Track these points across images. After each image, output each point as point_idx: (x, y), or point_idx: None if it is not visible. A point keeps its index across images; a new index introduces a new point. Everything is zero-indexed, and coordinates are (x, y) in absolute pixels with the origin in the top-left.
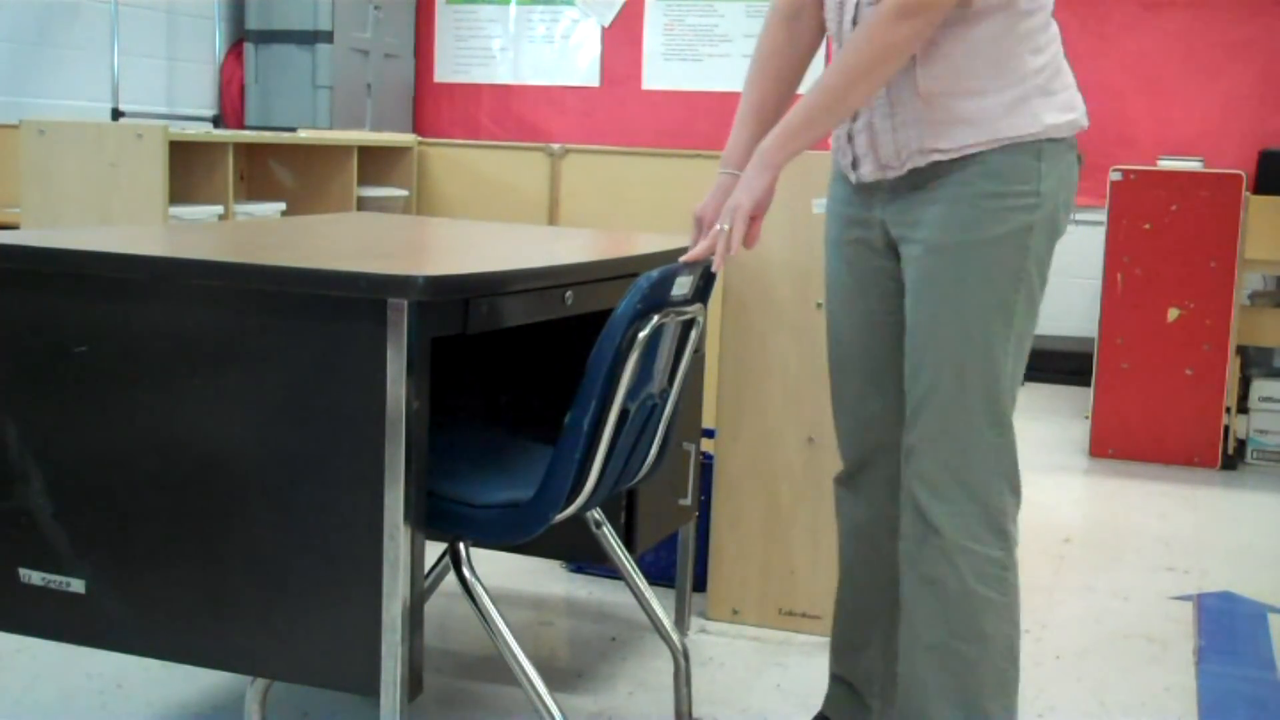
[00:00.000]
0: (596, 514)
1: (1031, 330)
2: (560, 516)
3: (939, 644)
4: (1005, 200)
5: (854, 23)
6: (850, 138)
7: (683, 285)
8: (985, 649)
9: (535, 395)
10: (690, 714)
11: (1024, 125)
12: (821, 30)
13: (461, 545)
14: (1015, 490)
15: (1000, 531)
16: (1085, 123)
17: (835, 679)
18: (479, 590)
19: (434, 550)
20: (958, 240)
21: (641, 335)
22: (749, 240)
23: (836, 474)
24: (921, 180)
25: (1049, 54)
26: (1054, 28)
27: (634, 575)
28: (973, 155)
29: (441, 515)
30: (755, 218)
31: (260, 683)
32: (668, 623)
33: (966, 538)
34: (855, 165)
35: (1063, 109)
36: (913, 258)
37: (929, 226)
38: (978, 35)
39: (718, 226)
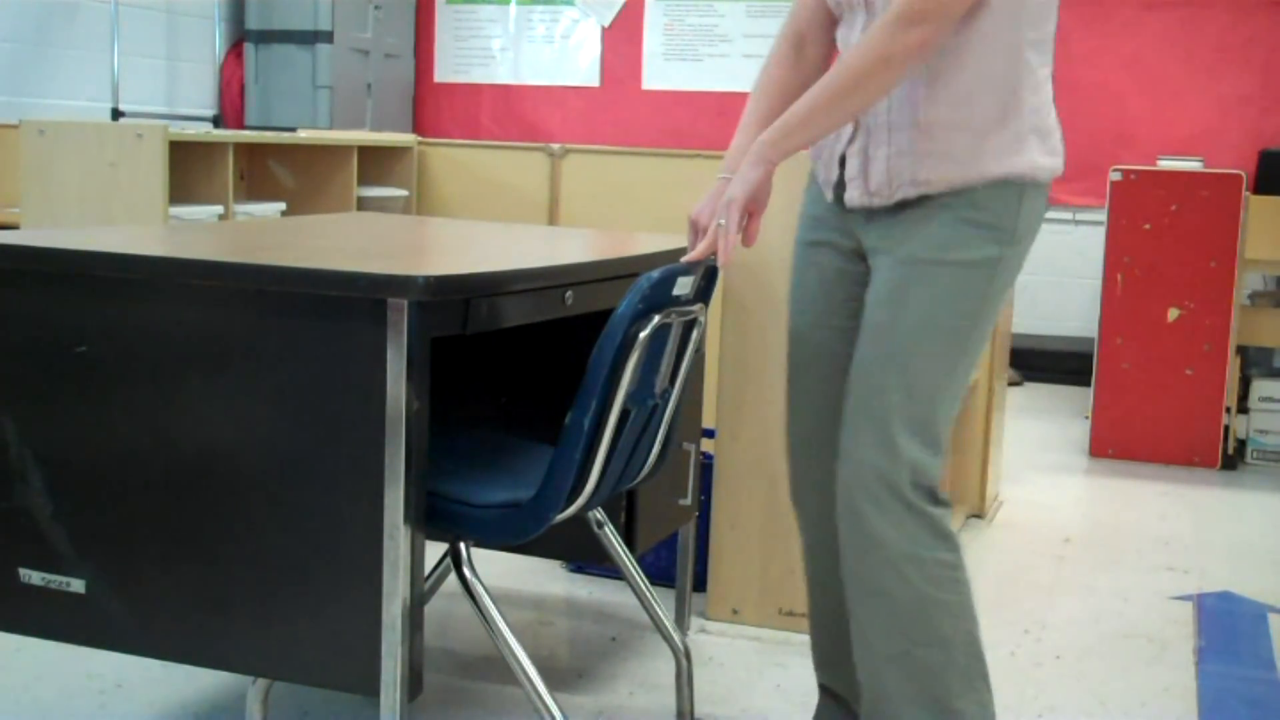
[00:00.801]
0: (598, 514)
1: (975, 363)
2: (561, 516)
3: (899, 653)
4: (982, 230)
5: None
6: (843, 161)
7: (684, 285)
8: (948, 651)
9: (535, 395)
10: (692, 714)
11: (1017, 165)
12: (828, 58)
13: (462, 545)
14: (946, 501)
15: (944, 535)
16: (1062, 170)
17: (822, 688)
18: (479, 590)
19: (434, 550)
20: (933, 257)
21: (643, 335)
22: (748, 238)
23: (791, 489)
24: (904, 207)
25: (1045, 92)
26: (1051, 64)
27: (636, 575)
28: (960, 191)
29: (441, 515)
30: (753, 214)
31: (262, 682)
32: (669, 623)
33: (915, 546)
34: (840, 188)
35: (1052, 152)
36: (884, 267)
37: (908, 244)
38: (983, 68)
39: (715, 223)
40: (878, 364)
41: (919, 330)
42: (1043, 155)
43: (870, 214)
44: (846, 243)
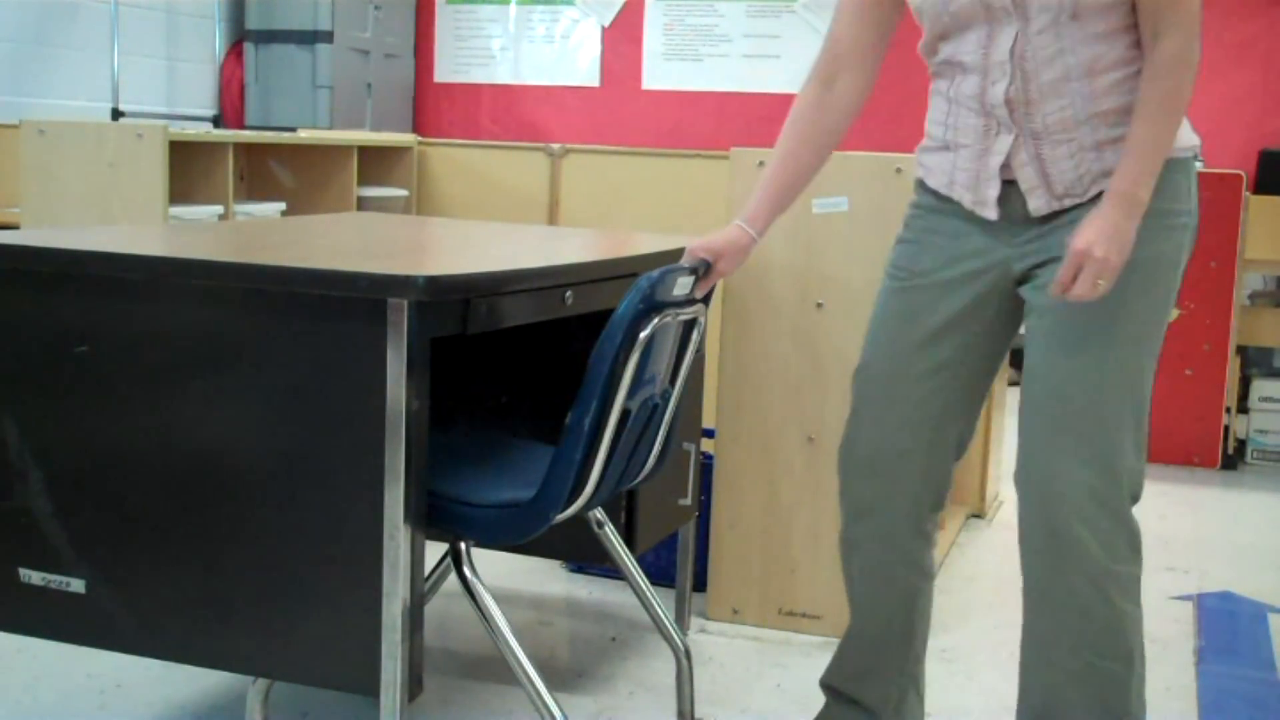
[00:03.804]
0: (598, 514)
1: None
2: (561, 516)
3: (1084, 667)
4: (1165, 219)
5: (1010, 53)
6: (1007, 167)
7: (684, 285)
8: (1131, 664)
9: (535, 395)
10: (692, 714)
11: (1178, 141)
12: (859, 94)
13: (462, 545)
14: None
15: (1138, 549)
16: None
17: (841, 697)
18: (480, 590)
19: (434, 550)
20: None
21: (642, 335)
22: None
23: (850, 515)
24: (1085, 209)
25: None
26: None
27: (636, 575)
28: None
29: (442, 515)
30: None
31: (262, 683)
32: (669, 623)
33: (1115, 561)
34: (1020, 201)
35: (1191, 129)
36: None
37: None
38: (1114, 57)
39: (1092, 284)
40: (1085, 381)
41: (1122, 339)
42: (1189, 132)
43: (1038, 227)
44: (994, 276)
